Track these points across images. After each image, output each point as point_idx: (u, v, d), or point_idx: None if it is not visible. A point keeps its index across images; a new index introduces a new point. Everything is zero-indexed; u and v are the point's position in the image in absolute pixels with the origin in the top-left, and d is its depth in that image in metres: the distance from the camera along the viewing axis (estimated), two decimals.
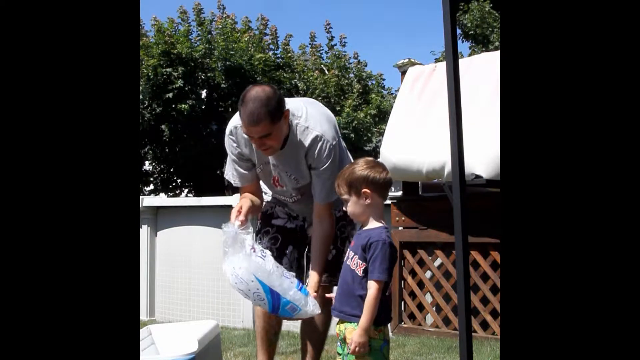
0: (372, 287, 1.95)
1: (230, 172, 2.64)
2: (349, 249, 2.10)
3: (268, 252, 2.22)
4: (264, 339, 2.71)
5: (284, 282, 2.18)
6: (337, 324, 2.08)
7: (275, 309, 2.19)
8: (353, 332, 1.96)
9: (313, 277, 2.41)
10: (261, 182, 2.70)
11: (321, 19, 21.31)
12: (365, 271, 1.99)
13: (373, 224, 2.07)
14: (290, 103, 2.46)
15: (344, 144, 2.73)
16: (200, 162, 9.45)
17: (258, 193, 2.66)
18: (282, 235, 2.69)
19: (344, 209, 2.18)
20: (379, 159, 4.93)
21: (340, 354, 2.08)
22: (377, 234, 2.02)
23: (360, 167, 2.08)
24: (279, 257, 2.61)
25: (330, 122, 2.50)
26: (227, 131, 2.56)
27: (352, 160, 2.67)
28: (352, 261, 2.04)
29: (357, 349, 1.94)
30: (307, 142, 2.42)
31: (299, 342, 2.96)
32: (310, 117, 2.45)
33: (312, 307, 2.20)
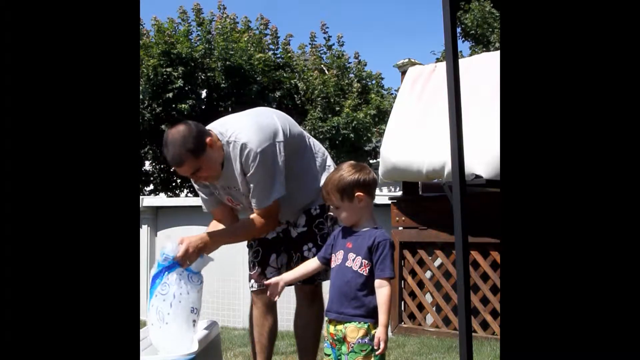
0: (386, 285, 2.02)
1: (201, 201, 2.80)
2: (344, 252, 2.10)
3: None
4: (260, 344, 2.73)
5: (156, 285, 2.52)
6: (333, 325, 2.08)
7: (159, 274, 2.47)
8: (377, 331, 1.98)
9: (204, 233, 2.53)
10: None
11: (322, 19, 21.26)
12: (371, 271, 2.03)
13: (368, 224, 2.11)
14: (225, 124, 2.52)
15: (315, 143, 2.73)
16: None
17: (229, 215, 2.75)
18: (263, 247, 2.73)
19: (330, 213, 2.19)
20: (378, 159, 4.94)
21: (328, 355, 2.08)
22: (381, 234, 2.07)
23: (348, 173, 2.10)
24: (262, 269, 2.70)
25: (261, 130, 2.46)
26: None
27: (322, 163, 2.69)
28: (355, 262, 2.06)
29: (383, 346, 1.98)
30: (237, 155, 2.45)
31: None
32: (236, 130, 2.46)
33: (171, 246, 2.38)
